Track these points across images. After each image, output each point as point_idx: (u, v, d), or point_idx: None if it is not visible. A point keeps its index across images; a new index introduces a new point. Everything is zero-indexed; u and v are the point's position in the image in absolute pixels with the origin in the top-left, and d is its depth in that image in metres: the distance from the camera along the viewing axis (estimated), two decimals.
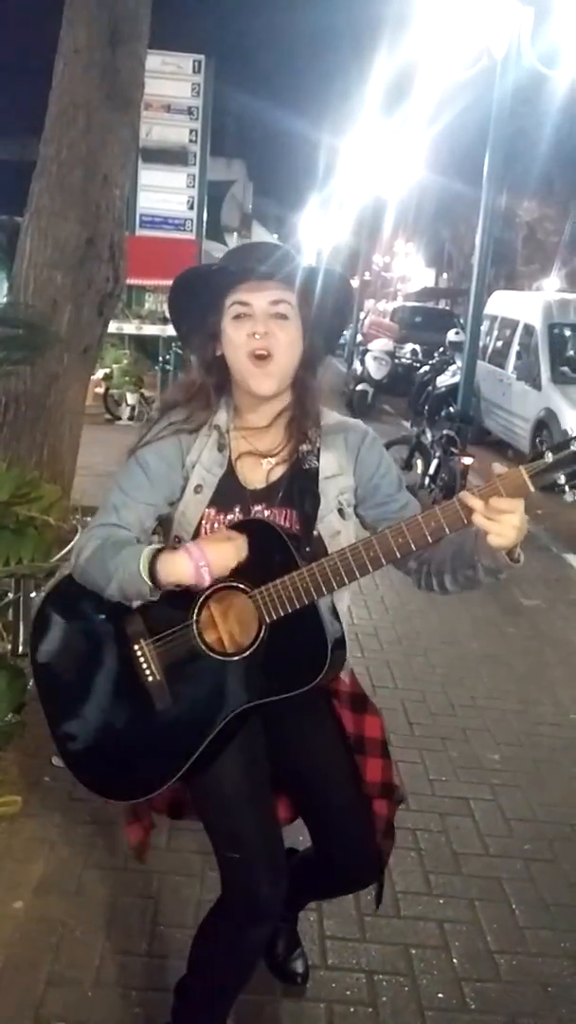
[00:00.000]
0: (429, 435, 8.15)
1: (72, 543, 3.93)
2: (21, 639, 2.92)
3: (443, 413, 9.86)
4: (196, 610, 1.65)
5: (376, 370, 13.59)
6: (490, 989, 2.31)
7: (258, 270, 1.63)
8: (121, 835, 1.93)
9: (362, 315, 20.42)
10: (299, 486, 1.72)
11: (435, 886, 2.70)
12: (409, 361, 16.22)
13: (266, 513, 1.72)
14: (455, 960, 2.40)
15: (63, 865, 2.60)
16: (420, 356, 16.19)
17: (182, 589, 1.61)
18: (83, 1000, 2.14)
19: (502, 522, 1.43)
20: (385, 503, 1.80)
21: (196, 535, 1.72)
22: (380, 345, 14.22)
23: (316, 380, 1.78)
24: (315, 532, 1.70)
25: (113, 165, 4.12)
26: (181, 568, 1.57)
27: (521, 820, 3.09)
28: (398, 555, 1.52)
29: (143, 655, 1.68)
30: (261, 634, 1.62)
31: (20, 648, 2.94)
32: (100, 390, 10.36)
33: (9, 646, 2.94)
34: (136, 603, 1.67)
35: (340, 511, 1.75)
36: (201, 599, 1.65)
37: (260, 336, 1.64)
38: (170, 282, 1.76)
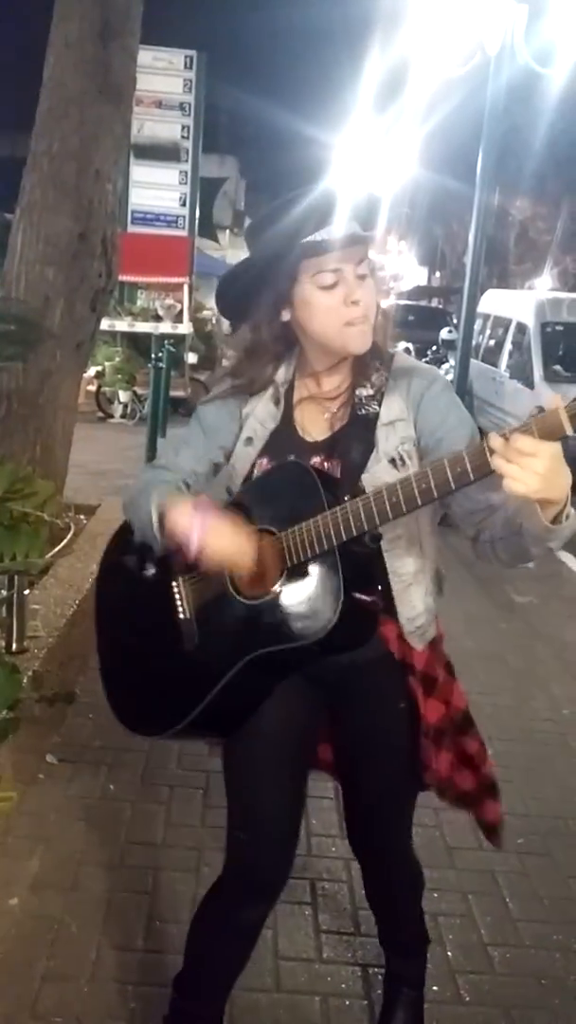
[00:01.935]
0: None
1: (66, 540, 3.94)
2: (15, 636, 2.91)
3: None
4: None
5: None
6: (484, 981, 2.32)
7: (350, 237, 1.54)
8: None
9: None
10: (351, 432, 1.64)
11: (429, 880, 2.66)
12: None
13: (325, 465, 1.63)
14: (449, 953, 2.41)
15: (59, 862, 2.60)
16: (413, 355, 16.16)
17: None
18: (79, 996, 2.14)
19: (522, 465, 1.25)
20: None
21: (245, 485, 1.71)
22: None
23: (384, 320, 1.67)
24: (360, 482, 1.58)
25: (105, 160, 4.11)
26: (180, 523, 1.55)
27: (515, 814, 3.09)
28: (419, 502, 1.40)
29: (179, 592, 1.68)
30: (281, 579, 1.56)
31: (14, 645, 2.92)
32: (92, 388, 10.34)
33: (2, 643, 2.93)
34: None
35: (394, 461, 1.60)
36: None
37: (359, 304, 1.56)
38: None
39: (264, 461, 1.68)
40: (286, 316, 1.63)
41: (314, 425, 1.69)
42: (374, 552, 1.59)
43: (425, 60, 8.93)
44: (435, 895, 2.63)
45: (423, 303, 25.56)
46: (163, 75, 9.19)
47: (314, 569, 1.54)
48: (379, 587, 1.64)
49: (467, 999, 2.26)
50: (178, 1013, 1.90)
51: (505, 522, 1.48)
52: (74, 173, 4.02)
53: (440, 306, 26.00)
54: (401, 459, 1.61)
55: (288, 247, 1.55)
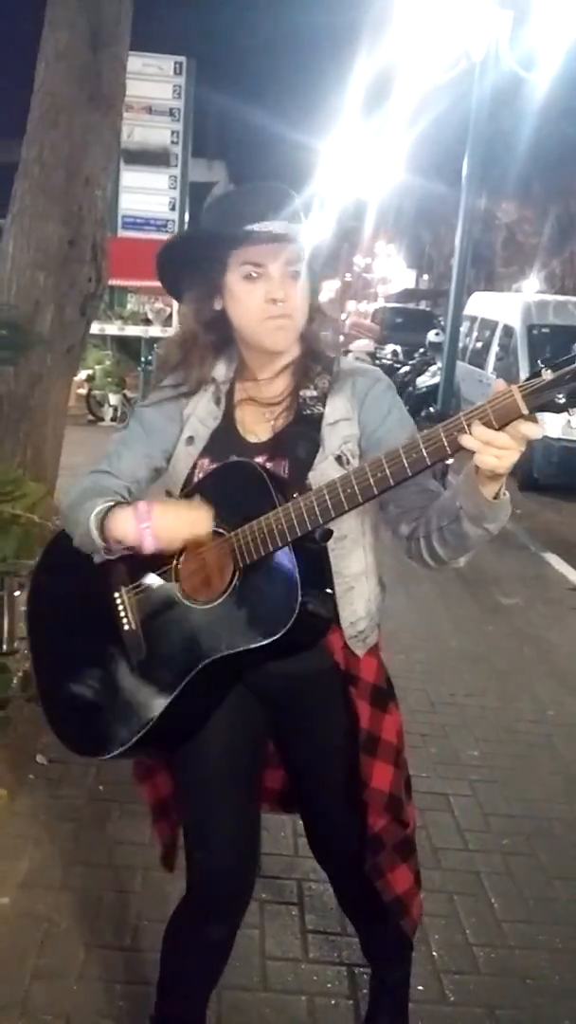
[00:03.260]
0: None
1: None
2: (5, 637, 2.93)
3: (423, 413, 9.93)
4: (178, 556, 1.58)
5: None
6: (469, 981, 2.35)
7: (276, 234, 1.54)
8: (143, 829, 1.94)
9: (343, 316, 20.51)
10: (296, 431, 1.64)
11: None
12: (390, 362, 16.31)
13: (270, 465, 1.60)
14: (435, 953, 2.44)
15: (48, 861, 2.62)
16: (401, 357, 16.30)
17: (131, 550, 1.54)
18: (69, 994, 2.17)
19: (489, 451, 1.30)
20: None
21: (186, 487, 1.66)
22: (361, 346, 14.35)
23: (324, 323, 1.69)
24: (307, 480, 1.58)
25: (95, 167, 4.13)
26: (123, 526, 1.51)
27: (499, 815, 3.14)
28: (375, 491, 1.41)
29: (123, 604, 1.62)
30: (234, 580, 1.53)
31: (4, 646, 2.95)
32: (83, 391, 10.36)
33: None
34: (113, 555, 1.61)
35: (339, 459, 1.62)
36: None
37: (280, 302, 1.57)
38: (152, 284, 1.73)
39: (206, 462, 1.66)
40: (218, 305, 1.64)
41: (256, 426, 1.68)
42: (323, 550, 1.58)
43: (411, 66, 9.01)
44: (421, 896, 2.67)
45: (411, 306, 25.64)
46: (153, 81, 9.19)
47: (268, 568, 1.51)
48: (330, 587, 1.63)
49: (452, 999, 2.29)
50: (162, 1016, 1.92)
51: (441, 512, 1.50)
52: (64, 180, 4.04)
53: (428, 309, 26.09)
54: (346, 458, 1.63)
55: (221, 232, 1.58)
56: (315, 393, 1.65)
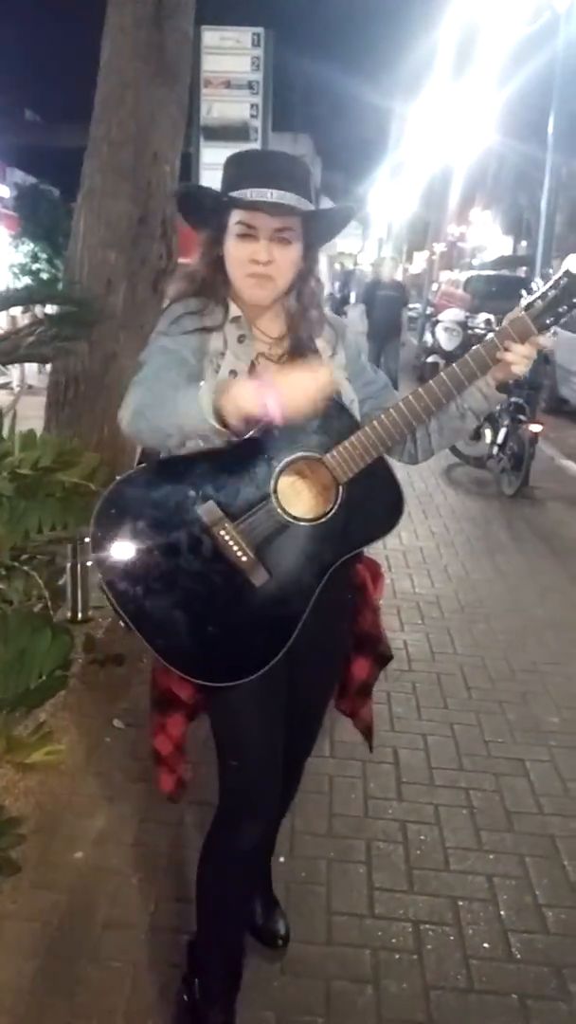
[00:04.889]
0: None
1: None
2: (79, 605, 3.02)
3: (512, 381, 9.65)
4: (273, 483, 1.68)
5: (447, 341, 13.38)
6: (537, 940, 2.33)
7: (270, 202, 1.65)
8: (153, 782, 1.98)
9: (434, 287, 20.15)
10: (312, 361, 1.77)
11: (485, 843, 2.71)
12: (484, 331, 15.90)
13: None
14: (502, 912, 2.42)
15: (121, 819, 2.71)
16: (495, 326, 15.91)
17: (249, 436, 1.62)
18: (137, 943, 2.24)
19: (519, 361, 1.68)
20: (370, 383, 1.90)
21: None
22: (451, 315, 13.98)
23: (313, 284, 1.81)
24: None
25: (162, 142, 4.18)
26: (246, 396, 1.51)
27: None
28: (444, 400, 1.70)
29: (230, 537, 1.68)
30: (340, 494, 1.69)
31: (80, 615, 3.04)
32: None
33: (69, 613, 3.04)
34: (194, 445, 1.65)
35: (348, 380, 1.83)
36: (277, 472, 1.68)
37: (263, 263, 1.69)
38: None
39: None
40: (220, 252, 1.75)
41: (266, 359, 1.79)
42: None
43: (494, 21, 8.74)
44: (491, 857, 2.65)
45: (505, 272, 24.95)
46: (230, 55, 9.16)
47: (366, 476, 1.70)
48: None
49: (518, 956, 2.27)
50: (204, 940, 2.04)
51: (440, 417, 1.80)
52: (132, 157, 4.10)
53: (524, 276, 25.36)
54: (349, 381, 1.83)
55: (222, 196, 1.70)
56: (306, 334, 1.81)
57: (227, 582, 1.71)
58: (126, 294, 4.18)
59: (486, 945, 2.30)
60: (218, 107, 9.25)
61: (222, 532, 1.69)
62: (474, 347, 1.71)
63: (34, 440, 2.25)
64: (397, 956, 2.25)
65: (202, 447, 1.66)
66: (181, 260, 4.32)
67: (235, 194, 1.67)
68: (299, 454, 1.69)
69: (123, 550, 1.69)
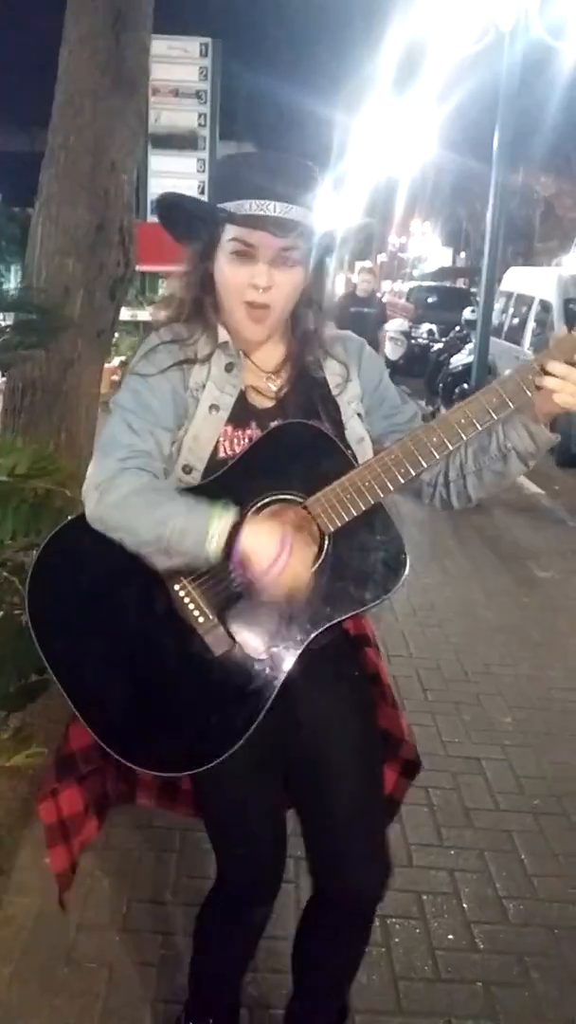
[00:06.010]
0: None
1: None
2: None
3: (458, 391, 9.88)
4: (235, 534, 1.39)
5: (392, 351, 13.64)
6: (499, 931, 2.42)
7: (271, 217, 1.40)
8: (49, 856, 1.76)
9: (378, 296, 20.38)
10: (315, 395, 1.57)
11: (446, 838, 2.80)
12: (425, 341, 16.18)
13: None
14: (465, 905, 2.50)
15: None
16: (436, 335, 16.16)
17: (213, 477, 1.45)
18: (111, 944, 2.27)
19: (563, 388, 1.42)
20: (393, 414, 1.66)
21: (213, 458, 1.50)
22: (396, 325, 14.26)
23: (320, 305, 1.59)
24: (346, 439, 1.55)
25: (120, 151, 4.19)
26: (266, 546, 1.33)
27: (531, 777, 3.18)
28: (463, 436, 1.43)
29: (189, 597, 1.45)
30: (326, 546, 1.44)
31: None
32: (116, 377, 10.48)
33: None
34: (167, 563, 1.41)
35: (359, 416, 1.60)
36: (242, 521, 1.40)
37: (262, 289, 1.46)
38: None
39: (229, 429, 1.53)
40: (210, 268, 1.53)
41: (261, 391, 1.58)
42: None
43: (440, 38, 8.93)
44: (452, 852, 2.74)
45: (446, 284, 25.36)
46: (179, 64, 9.22)
47: (360, 527, 1.45)
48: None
49: (481, 947, 2.36)
50: (195, 997, 1.93)
51: (478, 457, 1.58)
52: (90, 165, 4.11)
53: (464, 287, 25.82)
54: (362, 415, 1.62)
55: (214, 207, 1.47)
56: (312, 358, 1.60)
57: (181, 648, 1.46)
58: (83, 301, 4.19)
59: (451, 937, 2.38)
60: (166, 115, 9.30)
61: (179, 588, 1.46)
62: (507, 372, 1.47)
63: (9, 447, 2.27)
64: (366, 949, 2.31)
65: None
66: (142, 268, 4.35)
67: (230, 206, 1.42)
68: (271, 497, 1.44)
69: (61, 606, 1.49)
